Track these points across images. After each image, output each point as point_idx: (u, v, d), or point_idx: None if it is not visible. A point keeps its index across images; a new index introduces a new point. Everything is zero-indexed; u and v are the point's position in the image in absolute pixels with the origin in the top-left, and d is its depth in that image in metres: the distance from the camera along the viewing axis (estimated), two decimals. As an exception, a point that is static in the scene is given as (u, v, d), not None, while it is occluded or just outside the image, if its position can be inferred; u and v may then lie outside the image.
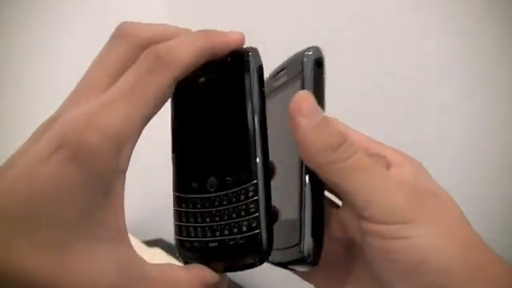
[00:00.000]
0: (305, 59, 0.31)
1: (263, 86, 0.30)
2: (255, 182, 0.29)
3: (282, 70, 0.33)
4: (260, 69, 0.30)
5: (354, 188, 0.28)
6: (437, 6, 0.59)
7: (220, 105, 0.31)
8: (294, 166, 0.31)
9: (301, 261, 0.30)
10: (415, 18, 0.61)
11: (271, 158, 0.30)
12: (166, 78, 0.27)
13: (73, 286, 0.25)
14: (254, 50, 0.30)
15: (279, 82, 0.33)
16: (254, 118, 0.30)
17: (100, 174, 0.25)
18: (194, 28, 0.30)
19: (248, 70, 0.30)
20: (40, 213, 0.24)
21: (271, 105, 0.32)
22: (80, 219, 0.25)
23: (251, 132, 0.30)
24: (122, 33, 0.28)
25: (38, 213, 0.24)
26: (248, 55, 0.30)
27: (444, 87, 0.59)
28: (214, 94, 0.31)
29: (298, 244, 0.30)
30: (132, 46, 0.28)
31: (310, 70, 0.31)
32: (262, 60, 0.31)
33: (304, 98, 0.29)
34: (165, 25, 0.30)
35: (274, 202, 0.30)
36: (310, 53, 0.32)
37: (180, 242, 0.31)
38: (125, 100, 0.26)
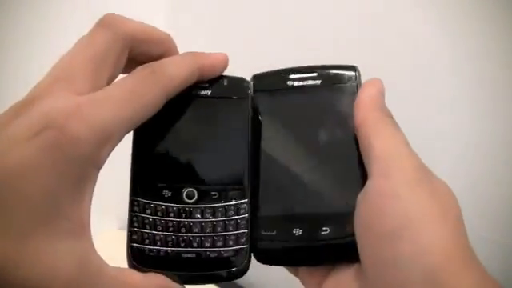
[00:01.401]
0: (357, 72, 0.34)
1: (258, 114, 0.33)
2: (246, 200, 0.31)
3: (310, 72, 0.34)
4: (253, 97, 0.33)
5: (382, 143, 0.29)
6: (437, 6, 0.59)
7: (210, 122, 0.32)
8: (341, 160, 0.32)
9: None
10: (415, 17, 0.61)
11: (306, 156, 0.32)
12: (157, 91, 0.28)
13: (31, 276, 0.24)
14: (247, 81, 0.33)
15: (306, 83, 0.34)
16: (246, 139, 0.32)
17: (77, 164, 0.25)
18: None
19: (245, 95, 0.33)
20: (8, 196, 0.24)
21: (298, 100, 0.33)
22: (47, 209, 0.24)
23: (241, 150, 0.31)
24: (106, 23, 0.29)
25: (6, 196, 0.24)
26: (246, 82, 0.33)
27: (444, 87, 0.59)
28: (205, 110, 0.32)
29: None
30: (116, 37, 0.28)
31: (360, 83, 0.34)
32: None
33: (379, 81, 0.33)
34: (147, 24, 0.30)
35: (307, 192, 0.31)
36: (359, 70, 0.34)
37: (138, 250, 0.30)
38: (116, 102, 0.26)
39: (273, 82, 0.34)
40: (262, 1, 0.76)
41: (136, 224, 0.30)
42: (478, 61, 0.56)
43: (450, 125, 0.59)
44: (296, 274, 0.33)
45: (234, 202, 0.30)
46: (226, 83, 0.32)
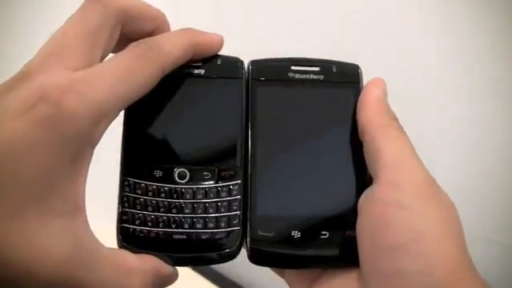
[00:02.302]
0: (360, 71, 0.33)
1: (256, 104, 0.32)
2: (239, 181, 0.30)
3: (312, 66, 0.33)
4: (248, 78, 0.32)
5: (391, 149, 0.28)
6: (437, 6, 0.59)
7: (203, 101, 0.31)
8: (344, 163, 0.31)
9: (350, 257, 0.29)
10: (415, 17, 0.61)
11: (307, 151, 0.31)
12: (154, 68, 0.28)
13: (23, 255, 0.23)
14: (241, 61, 0.32)
15: (307, 76, 0.33)
16: (240, 119, 0.31)
17: (73, 141, 0.24)
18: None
19: (239, 75, 0.32)
20: (1, 173, 0.23)
21: (300, 95, 0.32)
22: (40, 186, 0.24)
23: (234, 131, 0.31)
24: None
25: None
26: (240, 62, 0.32)
27: (444, 87, 0.59)
28: (198, 90, 0.31)
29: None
30: (108, 12, 0.27)
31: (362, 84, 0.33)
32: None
33: (382, 81, 0.32)
34: (140, 2, 0.30)
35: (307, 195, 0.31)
36: (361, 69, 0.33)
37: (128, 231, 0.29)
38: (113, 78, 0.26)
39: (273, 72, 0.33)
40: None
41: (126, 204, 0.29)
42: (476, 61, 0.56)
43: (450, 125, 0.58)
44: (282, 276, 0.33)
45: (226, 183, 0.30)
46: (219, 62, 0.32)
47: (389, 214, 0.27)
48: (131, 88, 0.26)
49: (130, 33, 0.29)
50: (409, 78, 0.62)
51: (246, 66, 0.33)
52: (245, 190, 0.31)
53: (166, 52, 0.28)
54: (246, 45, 0.40)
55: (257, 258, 0.30)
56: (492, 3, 0.55)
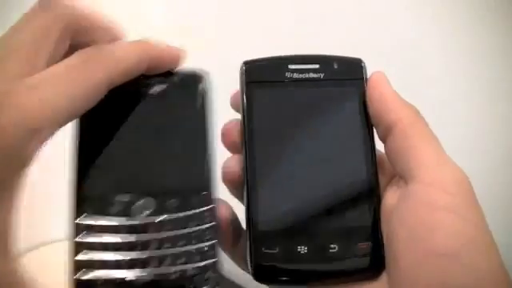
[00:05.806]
0: (364, 65, 0.31)
1: (248, 98, 0.29)
2: (212, 206, 0.27)
3: (311, 63, 0.31)
4: (208, 95, 0.29)
5: (427, 147, 0.27)
6: (437, 6, 0.58)
7: (161, 121, 0.28)
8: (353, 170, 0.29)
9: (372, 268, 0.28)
10: (415, 17, 0.60)
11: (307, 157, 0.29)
12: (100, 75, 0.25)
13: None
14: (206, 75, 0.29)
15: (307, 76, 0.30)
16: (204, 137, 0.28)
17: None
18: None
19: (200, 92, 0.29)
20: None
21: (299, 97, 0.30)
22: None
23: (199, 150, 0.28)
24: (47, 2, 0.25)
25: None
26: (199, 76, 0.29)
27: (444, 87, 0.59)
28: (157, 109, 0.28)
29: (375, 251, 0.28)
30: (57, 14, 0.25)
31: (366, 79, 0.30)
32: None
33: (385, 76, 0.30)
34: (92, 9, 0.27)
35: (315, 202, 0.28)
36: (365, 64, 0.31)
37: (84, 281, 0.25)
38: (49, 84, 0.23)
39: (269, 73, 0.30)
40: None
41: (78, 251, 0.25)
42: (476, 61, 0.56)
43: (450, 125, 0.58)
44: None
45: (197, 210, 0.27)
46: (176, 79, 0.29)
47: (437, 216, 0.25)
48: (72, 98, 0.23)
49: (82, 44, 0.26)
50: (408, 78, 0.62)
51: (240, 67, 0.30)
52: (247, 203, 0.28)
53: (115, 58, 0.25)
54: (238, 44, 0.39)
55: (262, 276, 0.28)
56: (492, 3, 0.55)
